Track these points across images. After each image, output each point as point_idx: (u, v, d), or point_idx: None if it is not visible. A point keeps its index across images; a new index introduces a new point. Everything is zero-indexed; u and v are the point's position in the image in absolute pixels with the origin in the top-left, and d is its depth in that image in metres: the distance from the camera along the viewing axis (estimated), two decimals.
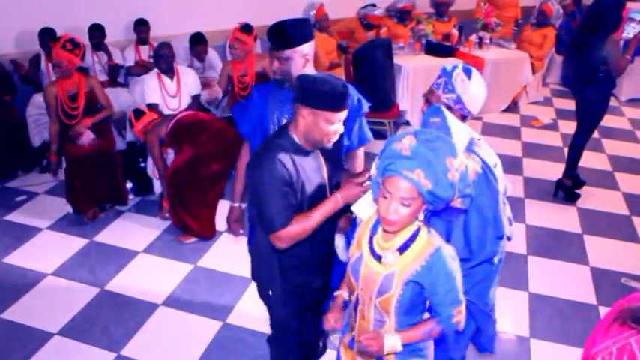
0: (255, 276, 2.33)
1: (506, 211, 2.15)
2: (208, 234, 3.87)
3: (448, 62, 5.49)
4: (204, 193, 3.79)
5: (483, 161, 2.11)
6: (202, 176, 3.71)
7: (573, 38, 4.28)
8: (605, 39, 3.94)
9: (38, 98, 4.58)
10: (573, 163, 4.51)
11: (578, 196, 4.59)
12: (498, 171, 2.14)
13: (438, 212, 1.67)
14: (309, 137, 1.95)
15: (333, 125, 1.91)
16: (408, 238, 1.66)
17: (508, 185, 2.21)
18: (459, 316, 1.71)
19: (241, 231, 2.67)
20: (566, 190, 4.59)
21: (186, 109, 4.18)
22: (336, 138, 1.97)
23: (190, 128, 3.73)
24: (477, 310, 2.24)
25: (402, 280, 1.65)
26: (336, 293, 1.96)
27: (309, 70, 2.30)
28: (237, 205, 2.63)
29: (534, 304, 3.37)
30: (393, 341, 1.68)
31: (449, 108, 2.09)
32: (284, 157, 1.91)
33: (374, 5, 6.08)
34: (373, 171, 1.67)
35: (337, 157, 2.29)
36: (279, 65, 2.27)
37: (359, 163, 2.52)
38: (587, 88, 4.16)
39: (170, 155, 4.00)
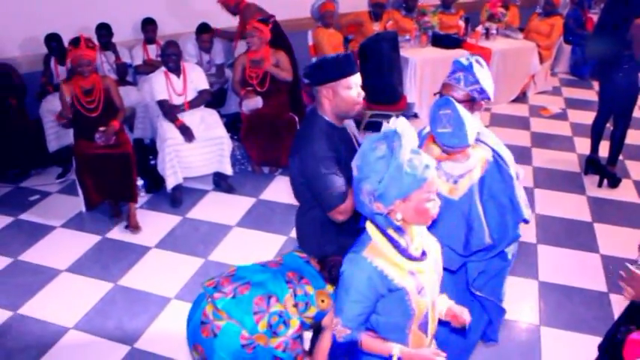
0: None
1: (522, 195, 2.17)
2: None
3: (455, 54, 5.56)
4: None
5: (492, 149, 2.13)
6: None
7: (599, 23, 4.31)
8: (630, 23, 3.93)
9: (46, 105, 4.61)
10: (616, 153, 4.57)
11: (619, 180, 4.63)
12: (508, 156, 2.16)
13: None
14: (338, 111, 2.11)
15: (353, 90, 2.08)
16: None
17: (519, 170, 2.23)
18: None
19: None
20: (609, 177, 4.60)
21: (190, 102, 4.30)
22: (361, 102, 2.12)
23: None
24: (492, 305, 2.30)
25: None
26: None
27: None
28: None
29: (544, 292, 3.37)
30: None
31: (473, 100, 2.13)
32: (326, 139, 2.08)
33: None
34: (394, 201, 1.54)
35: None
36: None
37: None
38: (615, 75, 4.20)
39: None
